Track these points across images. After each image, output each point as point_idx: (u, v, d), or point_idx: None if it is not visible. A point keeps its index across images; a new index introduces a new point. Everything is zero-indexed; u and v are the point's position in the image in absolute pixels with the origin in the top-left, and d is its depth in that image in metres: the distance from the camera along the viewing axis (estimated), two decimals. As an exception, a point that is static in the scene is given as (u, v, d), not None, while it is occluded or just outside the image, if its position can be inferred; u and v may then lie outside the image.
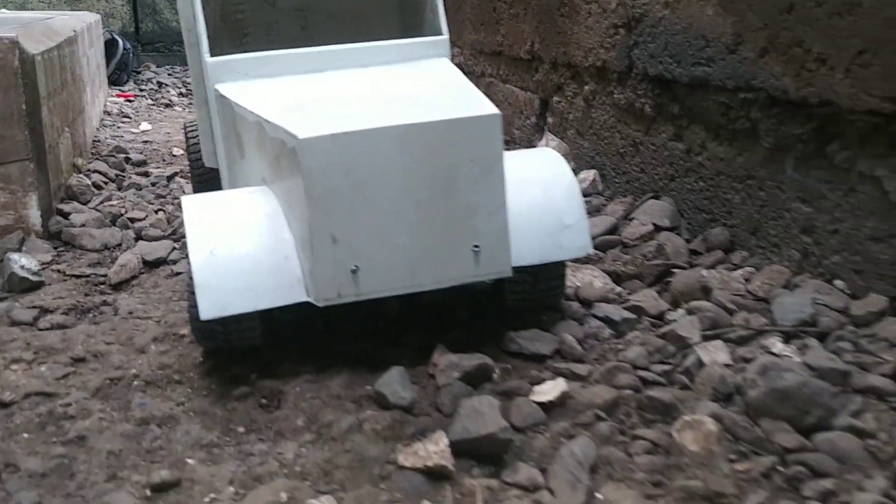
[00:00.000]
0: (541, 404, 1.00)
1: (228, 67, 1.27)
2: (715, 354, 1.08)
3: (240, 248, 1.05)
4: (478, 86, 2.79)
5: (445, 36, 1.37)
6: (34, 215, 1.68)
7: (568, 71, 2.10)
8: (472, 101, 1.10)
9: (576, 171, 2.03)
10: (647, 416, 0.99)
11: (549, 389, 1.03)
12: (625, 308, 1.27)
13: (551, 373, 1.10)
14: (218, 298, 1.01)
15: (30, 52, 1.72)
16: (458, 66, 2.89)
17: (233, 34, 1.61)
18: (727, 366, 1.06)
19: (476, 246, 1.06)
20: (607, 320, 1.23)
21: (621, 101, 1.84)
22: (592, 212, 1.78)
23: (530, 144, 2.32)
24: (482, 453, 0.92)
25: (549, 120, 2.24)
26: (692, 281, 1.30)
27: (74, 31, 2.58)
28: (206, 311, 1.01)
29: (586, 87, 2.00)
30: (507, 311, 1.22)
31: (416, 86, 1.23)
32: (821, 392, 0.91)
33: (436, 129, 1.02)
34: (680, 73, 1.60)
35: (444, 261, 1.05)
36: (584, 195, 1.90)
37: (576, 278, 1.35)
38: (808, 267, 1.34)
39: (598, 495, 0.85)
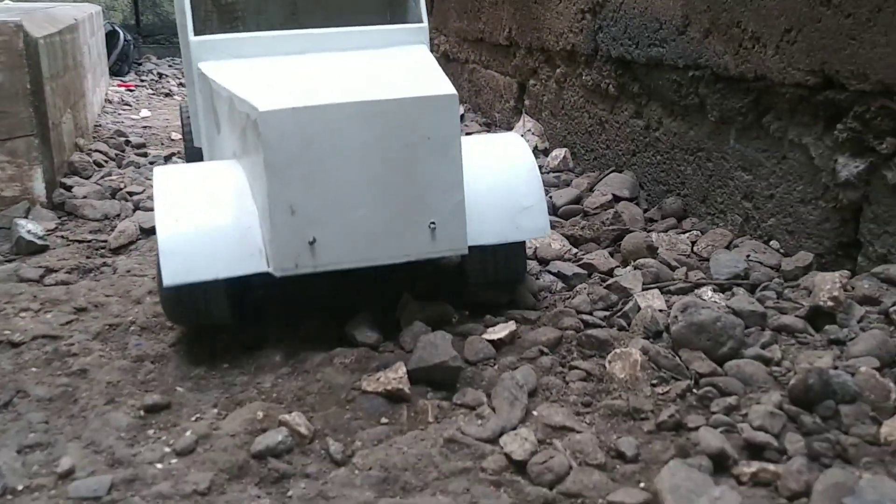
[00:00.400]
0: (492, 342, 1.13)
1: (212, 47, 1.34)
2: (651, 301, 1.20)
3: (204, 218, 1.10)
4: (461, 72, 2.91)
5: (424, 24, 1.43)
6: (39, 187, 1.80)
7: (542, 55, 2.22)
8: (432, 82, 1.16)
9: (549, 151, 2.16)
10: (585, 351, 1.11)
11: (500, 329, 1.15)
12: (577, 265, 1.39)
13: (505, 318, 1.22)
14: (181, 265, 1.06)
15: (33, 35, 1.84)
16: (444, 53, 3.01)
17: (224, 18, 1.66)
18: (661, 311, 1.18)
19: (433, 222, 1.10)
20: (560, 275, 1.35)
21: (589, 82, 1.96)
22: (562, 186, 1.90)
23: (509, 127, 2.44)
24: (436, 380, 1.04)
25: (526, 102, 2.36)
26: (639, 241, 1.42)
27: (75, 19, 2.70)
28: (170, 278, 1.06)
29: (558, 70, 2.13)
30: (470, 288, 1.27)
31: (386, 68, 1.30)
32: (733, 326, 1.04)
33: (393, 106, 1.07)
34: (638, 54, 1.72)
35: (401, 236, 1.09)
36: (556, 171, 2.02)
37: (536, 241, 1.47)
38: (749, 230, 1.46)
39: (534, 413, 0.97)
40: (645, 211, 1.68)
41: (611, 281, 1.30)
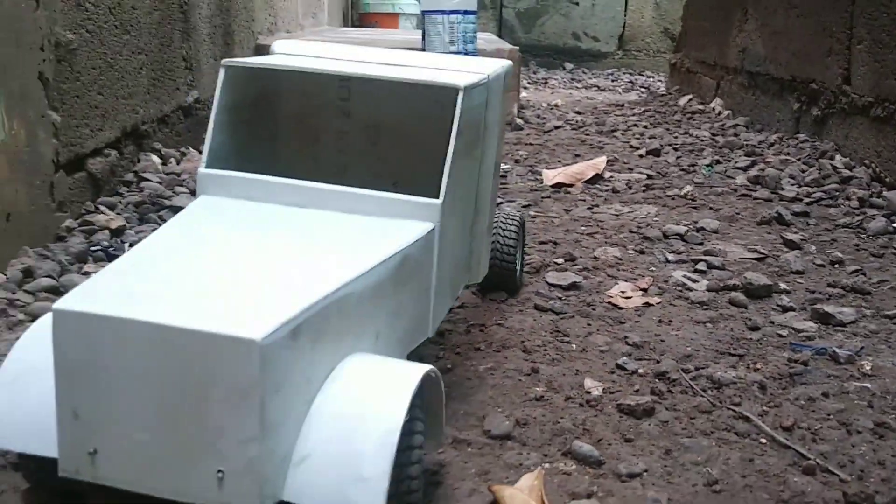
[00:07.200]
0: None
1: (215, 181, 1.26)
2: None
3: (33, 387, 0.97)
4: (695, 79, 5.72)
5: (437, 200, 1.16)
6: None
7: (725, 69, 4.93)
8: (257, 312, 0.88)
9: (722, 111, 4.85)
10: (699, 148, 3.87)
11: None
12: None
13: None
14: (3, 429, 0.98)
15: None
16: (687, 68, 5.79)
17: (306, 138, 1.64)
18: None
19: (220, 471, 0.88)
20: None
21: (739, 81, 4.64)
22: (721, 120, 4.58)
23: (710, 101, 5.14)
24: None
25: (718, 91, 5.08)
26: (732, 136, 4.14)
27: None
28: None
29: (729, 76, 4.83)
30: None
31: (302, 259, 1.07)
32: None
33: (179, 335, 0.87)
34: (752, 69, 4.39)
35: (185, 475, 0.89)
36: (724, 119, 4.72)
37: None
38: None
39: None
40: (746, 127, 4.35)
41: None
